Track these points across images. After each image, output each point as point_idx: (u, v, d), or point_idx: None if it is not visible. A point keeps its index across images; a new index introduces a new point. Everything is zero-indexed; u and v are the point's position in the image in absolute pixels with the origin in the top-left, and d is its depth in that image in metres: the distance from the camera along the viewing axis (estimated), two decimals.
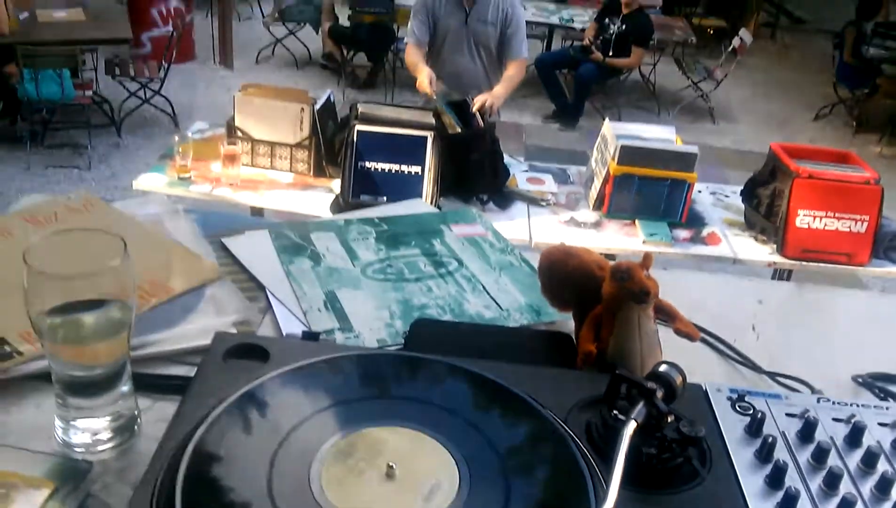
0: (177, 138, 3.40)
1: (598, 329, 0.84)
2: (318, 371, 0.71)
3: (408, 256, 1.09)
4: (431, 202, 3.17)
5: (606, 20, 6.70)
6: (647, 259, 0.84)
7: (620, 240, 3.06)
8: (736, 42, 7.29)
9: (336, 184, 3.38)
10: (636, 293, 0.81)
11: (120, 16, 6.41)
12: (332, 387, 0.71)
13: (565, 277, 0.87)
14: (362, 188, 3.22)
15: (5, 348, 0.85)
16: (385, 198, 3.21)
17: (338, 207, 3.22)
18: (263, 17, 7.71)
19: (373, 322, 0.94)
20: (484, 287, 1.03)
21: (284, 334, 0.91)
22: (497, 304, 1.00)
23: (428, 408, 0.69)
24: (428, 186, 3.20)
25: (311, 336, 0.80)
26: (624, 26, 6.54)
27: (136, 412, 0.78)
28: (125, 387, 0.75)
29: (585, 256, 0.87)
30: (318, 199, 3.34)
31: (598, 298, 0.84)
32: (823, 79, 8.43)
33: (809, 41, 10.62)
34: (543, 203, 3.32)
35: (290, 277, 1.01)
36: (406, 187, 3.23)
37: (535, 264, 1.09)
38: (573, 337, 0.90)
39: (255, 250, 1.06)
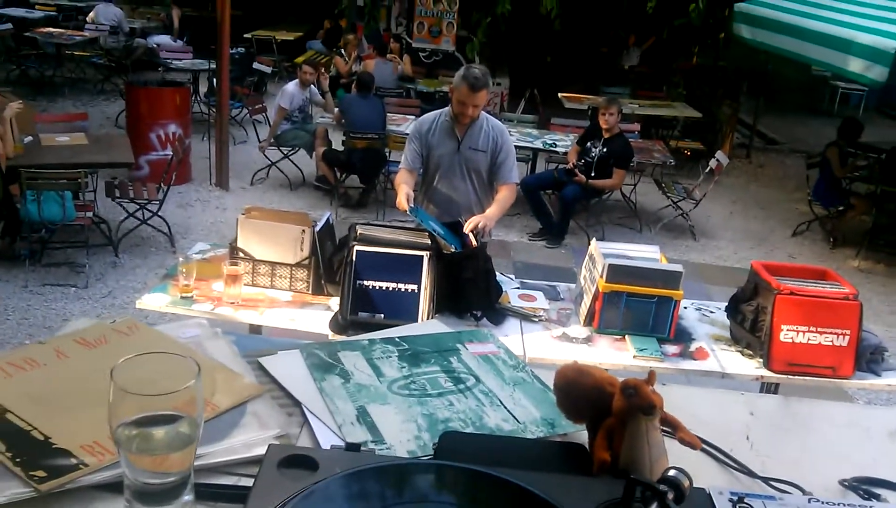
0: (181, 259, 3.52)
1: (610, 439, 0.93)
2: (367, 478, 0.79)
3: (428, 373, 1.18)
4: (427, 319, 3.27)
5: (588, 144, 7.02)
6: (651, 377, 0.95)
7: (612, 355, 3.16)
8: (713, 163, 7.63)
9: (334, 302, 3.48)
10: (644, 407, 0.91)
11: (120, 140, 6.65)
12: (378, 493, 0.79)
13: (579, 393, 0.97)
14: (361, 306, 3.32)
15: (71, 460, 0.93)
16: (382, 315, 3.31)
17: (337, 324, 3.31)
18: (259, 141, 8.01)
19: (402, 435, 1.03)
20: (501, 402, 1.12)
21: (323, 446, 0.99)
22: (514, 417, 1.09)
23: None
24: (424, 303, 3.31)
25: (353, 447, 0.89)
26: (605, 149, 6.85)
27: None
28: (188, 496, 0.84)
29: (597, 374, 0.98)
30: (316, 317, 3.43)
31: (609, 411, 0.94)
32: (799, 197, 8.78)
33: (783, 161, 11.09)
34: (536, 319, 3.43)
35: (322, 393, 1.10)
36: (403, 305, 3.33)
37: (545, 380, 1.20)
38: (586, 447, 0.99)
39: (289, 368, 1.16)
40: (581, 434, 1.04)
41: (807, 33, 7.35)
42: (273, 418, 1.04)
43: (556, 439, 1.06)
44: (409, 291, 3.34)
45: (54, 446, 0.95)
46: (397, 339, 1.27)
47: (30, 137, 6.02)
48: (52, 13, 13.43)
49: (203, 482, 0.92)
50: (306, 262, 3.61)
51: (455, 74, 4.03)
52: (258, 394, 1.08)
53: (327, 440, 1.02)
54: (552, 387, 1.01)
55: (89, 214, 5.60)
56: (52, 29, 11.76)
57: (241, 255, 3.60)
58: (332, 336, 3.25)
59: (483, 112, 4.06)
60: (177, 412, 0.80)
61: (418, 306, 3.32)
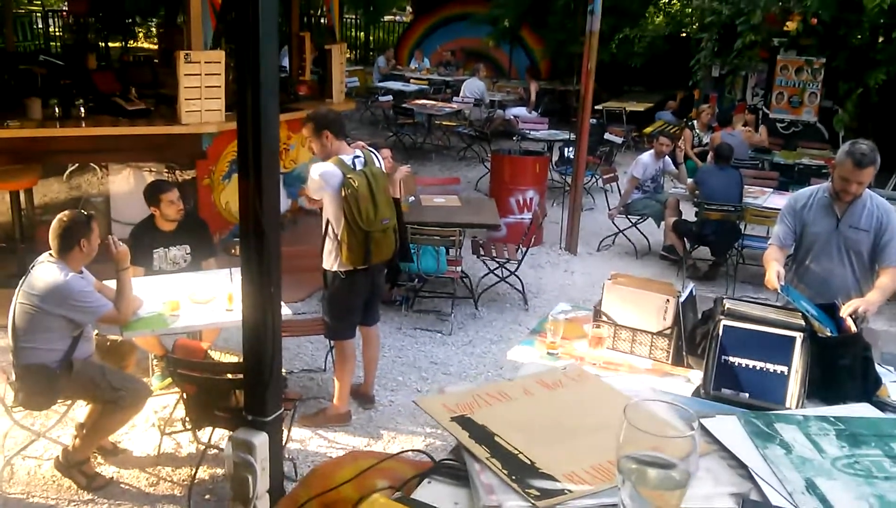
0: (550, 317, 3.77)
1: None
2: None
3: (871, 455, 1.19)
4: (797, 404, 3.13)
5: None
6: None
7: None
8: None
9: (693, 374, 3.48)
10: None
11: (487, 203, 7.25)
12: None
13: None
14: (724, 382, 3.26)
15: (556, 484, 1.09)
16: (747, 394, 3.23)
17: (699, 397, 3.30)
18: (609, 209, 8.24)
19: None
20: None
21: None
22: None
23: None
24: (794, 386, 3.17)
25: None
26: None
27: None
28: None
29: None
30: (675, 387, 3.43)
31: None
32: None
33: None
34: None
35: (767, 460, 1.16)
36: (770, 386, 3.21)
37: None
38: None
39: (729, 432, 1.24)
40: None
41: None
42: (726, 476, 1.12)
43: None
44: (778, 372, 3.23)
45: (540, 470, 1.12)
46: (832, 418, 1.29)
47: (412, 198, 6.82)
48: (424, 87, 15.08)
49: None
50: (668, 331, 3.65)
51: (838, 150, 3.87)
52: (707, 452, 1.17)
53: (776, 503, 1.07)
54: None
55: (458, 268, 6.18)
56: (424, 101, 13.17)
57: (604, 318, 3.76)
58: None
59: (867, 190, 3.83)
60: (672, 457, 0.92)
61: (787, 388, 3.19)
